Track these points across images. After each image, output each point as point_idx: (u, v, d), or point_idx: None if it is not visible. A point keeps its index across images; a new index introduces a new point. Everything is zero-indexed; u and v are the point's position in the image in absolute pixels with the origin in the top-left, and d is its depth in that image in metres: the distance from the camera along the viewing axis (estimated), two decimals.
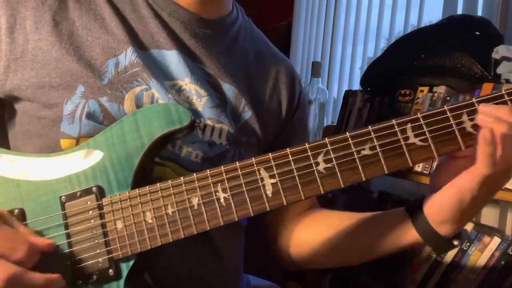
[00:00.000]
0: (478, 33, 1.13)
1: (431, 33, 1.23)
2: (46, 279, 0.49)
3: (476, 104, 0.48)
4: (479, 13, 1.44)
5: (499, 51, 1.03)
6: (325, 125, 1.71)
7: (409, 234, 0.57)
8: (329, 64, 2.12)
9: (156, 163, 0.61)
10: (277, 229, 0.76)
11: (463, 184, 0.49)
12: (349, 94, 1.49)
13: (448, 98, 1.13)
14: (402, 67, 1.25)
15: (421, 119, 0.49)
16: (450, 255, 1.08)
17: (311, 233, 0.71)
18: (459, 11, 1.51)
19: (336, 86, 2.07)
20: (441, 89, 1.15)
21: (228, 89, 0.69)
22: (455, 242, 0.55)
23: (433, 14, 1.65)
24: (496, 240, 1.00)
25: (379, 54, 1.48)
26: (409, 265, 1.16)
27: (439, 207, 0.52)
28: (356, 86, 1.84)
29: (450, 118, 0.48)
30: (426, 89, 1.19)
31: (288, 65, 0.80)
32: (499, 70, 1.04)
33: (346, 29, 2.06)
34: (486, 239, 1.02)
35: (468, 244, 1.04)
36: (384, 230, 0.60)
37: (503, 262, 0.98)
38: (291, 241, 0.74)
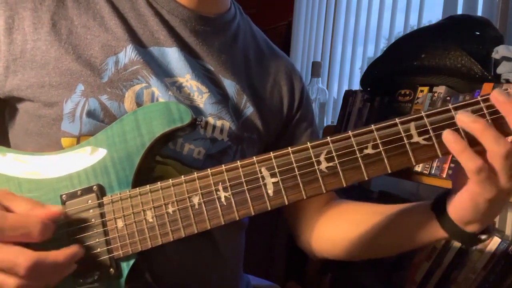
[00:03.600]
0: (478, 33, 1.13)
1: (431, 33, 1.23)
2: (66, 255, 0.48)
3: (481, 102, 0.47)
4: (479, 13, 1.44)
5: (499, 51, 1.03)
6: (325, 125, 1.71)
7: (437, 232, 0.56)
8: (329, 64, 2.11)
9: (158, 161, 0.61)
10: (297, 224, 0.77)
11: (474, 188, 0.48)
12: (349, 94, 1.48)
13: (448, 98, 1.13)
14: (402, 67, 1.25)
15: (424, 118, 0.48)
16: (450, 255, 1.08)
17: (335, 229, 0.71)
18: (459, 11, 1.51)
19: (336, 86, 2.07)
20: (441, 89, 1.15)
21: (230, 85, 0.69)
22: (483, 237, 0.54)
23: (433, 14, 1.65)
24: (496, 240, 1.00)
25: (379, 54, 1.48)
26: (409, 265, 1.16)
27: (459, 210, 0.52)
28: (356, 86, 1.84)
29: (455, 117, 0.47)
30: (426, 89, 1.18)
31: (287, 63, 0.80)
32: (499, 70, 1.04)
33: (346, 29, 2.06)
34: None
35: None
36: (410, 227, 0.60)
37: (503, 262, 0.98)
38: (313, 237, 0.74)
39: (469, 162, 0.46)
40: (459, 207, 0.52)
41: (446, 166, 1.04)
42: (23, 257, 0.45)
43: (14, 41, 0.59)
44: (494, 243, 1.00)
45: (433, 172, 1.08)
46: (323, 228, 0.73)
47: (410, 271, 1.16)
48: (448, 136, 0.47)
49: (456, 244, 1.06)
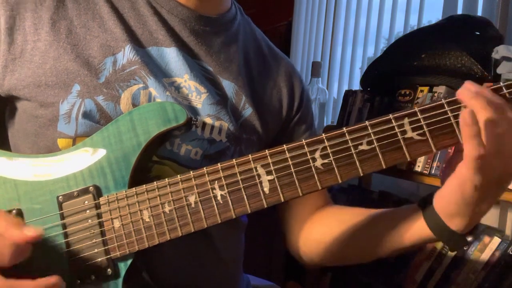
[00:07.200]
0: (478, 33, 1.13)
1: (431, 33, 1.23)
2: (36, 286, 0.46)
3: None
4: (479, 13, 1.44)
5: (499, 51, 1.03)
6: (325, 125, 1.71)
7: (420, 229, 0.55)
8: (329, 64, 2.11)
9: (155, 162, 0.61)
10: (289, 228, 0.76)
11: (462, 173, 0.48)
12: (349, 94, 1.48)
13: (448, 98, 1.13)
14: (402, 67, 1.25)
15: (418, 113, 0.49)
16: (450, 255, 1.08)
17: (322, 229, 0.71)
18: (459, 11, 1.51)
19: (336, 86, 2.07)
20: (441, 89, 1.15)
21: (228, 86, 0.69)
22: (468, 238, 0.53)
23: (433, 14, 1.65)
24: (496, 240, 1.00)
25: (379, 55, 1.48)
26: (409, 265, 1.16)
27: (445, 200, 0.51)
28: (356, 86, 1.84)
29: (448, 112, 0.48)
30: (426, 89, 1.18)
31: (288, 64, 0.79)
32: (499, 70, 1.04)
33: (346, 29, 2.05)
34: (486, 239, 1.02)
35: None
36: (394, 226, 0.59)
37: (503, 262, 0.97)
38: (302, 239, 0.74)
39: (474, 149, 0.45)
40: (446, 194, 0.51)
41: None
42: None
43: (15, 41, 0.60)
44: (494, 243, 1.00)
45: (433, 172, 1.08)
46: (311, 229, 0.73)
47: (410, 271, 1.16)
48: (465, 116, 0.46)
49: None
